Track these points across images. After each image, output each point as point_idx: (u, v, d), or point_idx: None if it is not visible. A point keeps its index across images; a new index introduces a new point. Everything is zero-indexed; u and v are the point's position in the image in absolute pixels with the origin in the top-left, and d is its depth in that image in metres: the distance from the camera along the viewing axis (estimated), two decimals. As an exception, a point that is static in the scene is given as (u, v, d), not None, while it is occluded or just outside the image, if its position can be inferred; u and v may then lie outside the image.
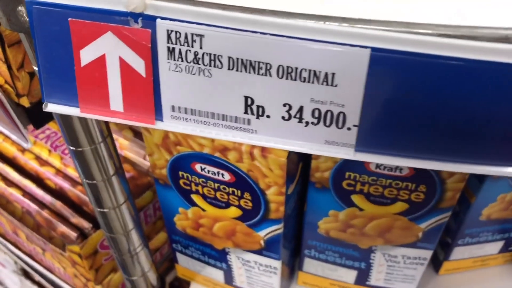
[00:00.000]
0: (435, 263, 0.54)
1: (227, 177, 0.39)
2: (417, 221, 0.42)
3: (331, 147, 0.24)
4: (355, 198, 0.41)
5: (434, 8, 0.21)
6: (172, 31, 0.23)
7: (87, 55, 0.25)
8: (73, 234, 0.52)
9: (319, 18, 0.21)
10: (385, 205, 0.41)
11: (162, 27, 0.23)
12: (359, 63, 0.21)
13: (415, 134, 0.22)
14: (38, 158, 0.60)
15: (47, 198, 0.55)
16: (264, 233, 0.43)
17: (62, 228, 0.52)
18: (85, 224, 0.52)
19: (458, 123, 0.22)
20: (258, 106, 0.24)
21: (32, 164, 0.59)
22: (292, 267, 0.53)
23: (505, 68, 0.20)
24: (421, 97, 0.21)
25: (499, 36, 0.19)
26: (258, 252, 0.45)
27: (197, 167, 0.40)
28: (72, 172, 0.58)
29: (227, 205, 0.42)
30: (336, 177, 0.40)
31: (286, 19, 0.21)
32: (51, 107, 0.27)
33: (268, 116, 0.24)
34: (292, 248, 0.50)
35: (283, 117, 0.24)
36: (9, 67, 0.36)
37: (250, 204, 0.40)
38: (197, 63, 0.23)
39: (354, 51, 0.21)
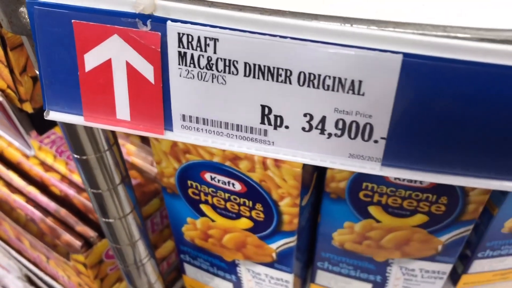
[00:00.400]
0: (453, 276, 0.52)
1: (238, 187, 0.37)
2: (437, 234, 0.40)
3: (355, 161, 0.22)
4: (372, 210, 0.39)
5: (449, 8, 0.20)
6: (183, 34, 0.21)
7: (91, 59, 0.23)
8: (77, 243, 0.50)
9: (346, 20, 0.19)
10: (403, 217, 0.39)
11: (172, 30, 0.21)
12: (389, 70, 0.19)
13: (449, 148, 0.20)
14: (43, 163, 0.58)
15: (51, 205, 0.54)
16: (276, 245, 0.41)
17: (67, 236, 0.51)
18: (90, 233, 0.51)
19: (496, 136, 0.20)
20: (276, 116, 0.22)
21: (36, 170, 0.58)
22: (304, 279, 0.51)
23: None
24: (457, 108, 0.19)
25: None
26: (270, 264, 0.43)
27: (207, 176, 0.38)
28: (78, 178, 0.56)
29: (238, 216, 0.40)
30: (352, 188, 0.38)
31: (308, 21, 0.19)
32: (53, 115, 0.25)
33: (286, 127, 0.22)
34: (304, 260, 0.48)
35: (303, 128, 0.22)
36: (11, 71, 0.35)
37: (262, 215, 0.39)
38: (211, 69, 0.21)
39: (384, 56, 0.19)
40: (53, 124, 0.42)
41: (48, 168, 0.58)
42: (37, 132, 0.40)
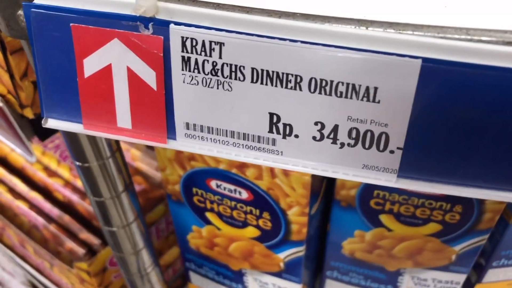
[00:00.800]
0: (467, 286, 0.51)
1: (244, 195, 0.36)
2: (451, 243, 0.39)
3: (370, 172, 0.20)
4: (383, 218, 0.38)
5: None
6: (187, 38, 0.20)
7: (91, 65, 0.22)
8: (81, 251, 0.49)
9: (361, 23, 0.18)
10: (416, 226, 0.38)
11: (176, 33, 0.20)
12: (407, 76, 0.18)
13: (470, 159, 0.19)
14: (46, 169, 0.57)
15: (54, 211, 0.53)
16: (284, 255, 0.40)
17: (70, 244, 0.50)
18: (94, 240, 0.50)
19: (521, 146, 0.19)
20: (285, 125, 0.21)
21: (40, 175, 0.57)
22: (313, 287, 0.50)
23: None
24: (479, 117, 0.18)
25: None
26: (277, 274, 0.42)
27: (212, 183, 0.37)
28: (81, 184, 0.55)
29: (244, 224, 0.39)
30: (363, 196, 0.37)
31: (320, 24, 0.18)
32: (51, 123, 0.24)
33: (296, 136, 0.21)
34: (313, 268, 0.46)
35: (314, 137, 0.20)
36: (12, 76, 0.34)
37: (269, 224, 0.37)
38: (216, 75, 0.20)
39: (401, 62, 0.17)
40: (55, 129, 0.41)
41: (51, 173, 0.57)
42: (39, 138, 0.39)
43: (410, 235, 0.39)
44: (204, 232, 0.42)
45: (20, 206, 0.55)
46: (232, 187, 0.36)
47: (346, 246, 0.41)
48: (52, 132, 0.42)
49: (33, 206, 0.54)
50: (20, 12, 0.25)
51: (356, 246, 0.41)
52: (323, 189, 0.38)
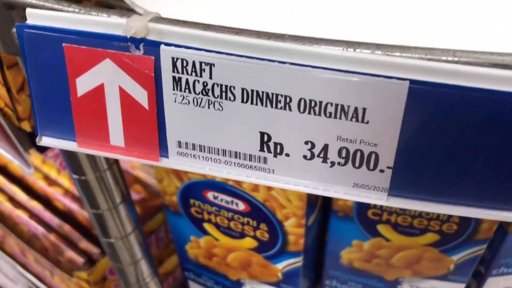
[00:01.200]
0: (466, 294, 0.50)
1: (241, 206, 0.36)
2: (449, 253, 0.39)
3: (360, 190, 0.20)
4: (381, 228, 0.38)
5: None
6: (178, 58, 0.20)
7: (83, 84, 0.22)
8: (80, 260, 0.49)
9: (349, 45, 0.18)
10: (414, 236, 0.38)
11: (166, 54, 0.20)
12: (395, 97, 0.18)
13: (460, 178, 0.19)
14: (46, 177, 0.57)
15: (54, 220, 0.53)
16: (282, 265, 0.40)
17: (70, 253, 0.50)
18: (94, 249, 0.50)
19: (510, 166, 0.19)
20: (275, 144, 0.21)
21: (40, 184, 0.57)
22: (312, 296, 0.50)
23: None
24: (467, 137, 0.18)
25: None
26: (276, 284, 0.42)
27: (209, 195, 0.37)
28: (81, 193, 0.55)
29: (242, 235, 0.39)
30: (360, 206, 0.37)
31: (309, 46, 0.18)
32: (45, 141, 0.24)
33: (287, 155, 0.21)
34: (312, 277, 0.46)
35: (304, 156, 0.20)
36: (9, 90, 0.34)
37: (266, 235, 0.37)
38: (207, 94, 0.20)
39: (389, 84, 0.18)
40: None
41: (51, 182, 0.57)
42: (37, 150, 0.39)
43: (408, 245, 0.39)
44: (202, 243, 0.42)
45: (20, 215, 0.55)
46: (229, 198, 0.36)
47: (345, 256, 0.41)
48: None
49: (33, 215, 0.55)
50: (15, 29, 0.25)
51: (354, 256, 0.41)
52: (320, 199, 0.38)
